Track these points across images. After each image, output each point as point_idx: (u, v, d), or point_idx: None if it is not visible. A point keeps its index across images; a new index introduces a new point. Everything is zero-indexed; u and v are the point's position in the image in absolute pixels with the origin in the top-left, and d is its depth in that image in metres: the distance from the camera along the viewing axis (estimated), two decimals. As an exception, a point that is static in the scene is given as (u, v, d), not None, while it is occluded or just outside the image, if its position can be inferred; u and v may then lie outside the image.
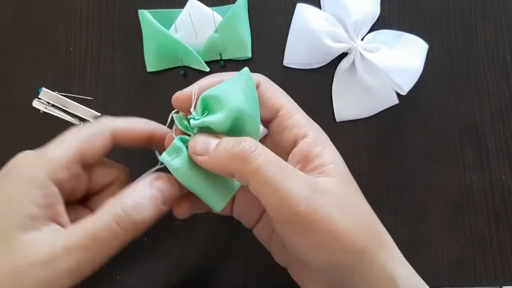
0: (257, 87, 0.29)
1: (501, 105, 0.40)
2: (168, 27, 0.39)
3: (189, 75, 0.40)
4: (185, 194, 0.29)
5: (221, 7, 0.40)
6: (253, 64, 0.40)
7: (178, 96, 0.29)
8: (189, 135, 0.28)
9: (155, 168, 0.28)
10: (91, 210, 0.31)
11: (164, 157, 0.27)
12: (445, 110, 0.40)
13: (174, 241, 0.38)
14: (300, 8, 0.39)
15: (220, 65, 0.40)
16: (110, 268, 0.33)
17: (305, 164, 0.27)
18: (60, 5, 0.41)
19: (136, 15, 0.40)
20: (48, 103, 0.39)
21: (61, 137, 0.29)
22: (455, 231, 0.38)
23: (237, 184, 0.29)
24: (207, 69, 0.39)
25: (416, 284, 0.28)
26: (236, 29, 0.39)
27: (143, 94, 0.40)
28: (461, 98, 0.40)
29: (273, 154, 0.26)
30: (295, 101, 0.30)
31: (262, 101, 0.29)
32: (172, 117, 0.29)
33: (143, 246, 0.38)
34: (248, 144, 0.25)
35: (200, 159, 0.27)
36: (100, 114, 0.40)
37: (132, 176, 0.31)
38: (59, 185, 0.26)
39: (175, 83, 0.40)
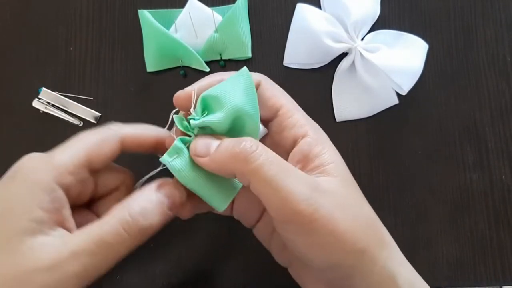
0: (258, 86, 0.29)
1: (501, 105, 0.40)
2: (168, 27, 0.39)
3: (189, 75, 0.40)
4: (188, 195, 0.29)
5: (221, 7, 0.40)
6: (253, 64, 0.40)
7: (179, 95, 0.29)
8: (190, 136, 0.28)
9: (157, 170, 0.28)
10: (96, 214, 0.31)
11: (165, 158, 0.27)
12: (445, 110, 0.40)
13: (174, 241, 0.38)
14: (300, 8, 0.39)
15: (220, 65, 0.40)
16: (110, 268, 0.33)
17: (305, 163, 0.27)
18: (60, 5, 0.41)
19: (136, 15, 0.40)
20: (48, 103, 0.39)
21: (69, 142, 0.28)
22: (455, 231, 0.38)
23: (238, 184, 0.29)
24: (207, 69, 0.39)
25: (417, 284, 0.28)
26: (236, 29, 0.39)
27: (143, 94, 0.40)
28: (461, 98, 0.40)
29: (274, 153, 0.26)
30: (295, 101, 0.31)
31: (262, 101, 0.29)
32: (172, 118, 0.29)
33: (143, 246, 0.37)
34: (249, 144, 0.25)
35: (201, 160, 0.27)
36: (100, 114, 0.40)
37: (137, 180, 0.31)
38: (66, 189, 0.26)
39: (175, 83, 0.40)
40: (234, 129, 0.28)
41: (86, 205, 0.31)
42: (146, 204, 0.26)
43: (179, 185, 0.28)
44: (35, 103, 0.39)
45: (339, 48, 0.38)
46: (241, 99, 0.27)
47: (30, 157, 0.27)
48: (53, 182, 0.26)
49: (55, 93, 0.40)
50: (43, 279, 0.23)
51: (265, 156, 0.25)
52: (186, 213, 0.30)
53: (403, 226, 0.38)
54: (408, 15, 0.41)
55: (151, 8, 0.40)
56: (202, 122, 0.27)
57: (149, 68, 0.40)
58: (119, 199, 0.30)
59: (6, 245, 0.24)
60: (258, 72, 0.30)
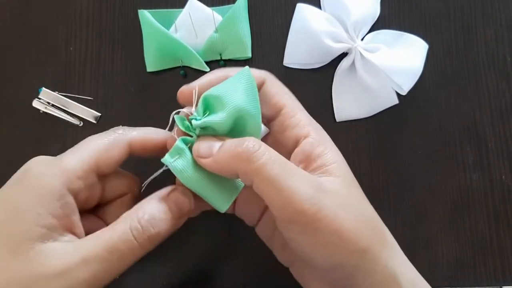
0: (262, 83, 0.29)
1: (501, 105, 0.40)
2: (168, 27, 0.39)
3: (189, 75, 0.40)
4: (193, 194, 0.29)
5: (221, 7, 0.40)
6: (253, 64, 0.40)
7: (183, 90, 0.28)
8: (191, 136, 0.28)
9: (160, 171, 0.28)
10: (102, 219, 0.31)
11: (166, 159, 0.27)
12: (445, 110, 0.40)
13: (174, 241, 0.38)
14: (300, 8, 0.39)
15: (220, 65, 0.40)
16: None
17: (307, 164, 0.27)
18: (60, 5, 0.41)
19: (136, 15, 0.40)
20: (48, 103, 0.39)
21: (76, 146, 0.28)
22: (455, 231, 0.38)
23: (240, 184, 0.29)
24: (207, 69, 0.39)
25: (419, 284, 0.28)
26: (236, 29, 0.39)
27: (143, 94, 0.40)
28: (461, 98, 0.40)
29: (276, 153, 0.26)
30: (296, 101, 0.31)
31: (266, 98, 0.29)
32: (173, 118, 0.29)
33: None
34: (252, 144, 0.25)
35: (204, 161, 0.27)
36: (100, 114, 0.40)
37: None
38: (74, 194, 0.26)
39: (175, 83, 0.39)
40: (235, 129, 0.28)
41: (92, 210, 0.31)
42: (155, 212, 0.26)
43: (188, 191, 0.28)
44: (35, 103, 0.39)
45: (339, 48, 0.38)
46: (242, 99, 0.27)
47: (37, 161, 0.27)
48: (62, 188, 0.25)
49: (55, 93, 0.40)
50: (52, 285, 0.23)
51: (267, 155, 0.25)
52: (192, 212, 0.30)
53: (403, 226, 0.38)
54: (408, 15, 0.41)
55: (151, 8, 0.40)
56: (204, 122, 0.27)
57: (149, 68, 0.40)
58: (125, 205, 0.30)
59: (16, 250, 0.24)
60: (259, 72, 0.30)
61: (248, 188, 0.26)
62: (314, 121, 0.30)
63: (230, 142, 0.26)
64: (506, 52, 0.40)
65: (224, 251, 0.38)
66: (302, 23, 0.39)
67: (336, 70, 0.39)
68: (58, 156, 0.27)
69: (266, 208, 0.31)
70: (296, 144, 0.28)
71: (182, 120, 0.28)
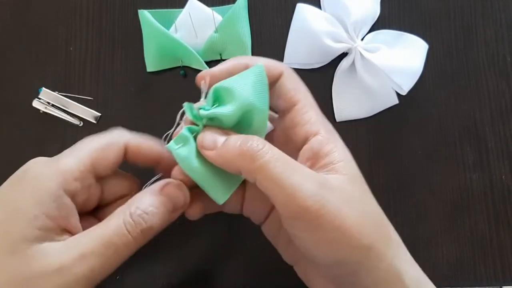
0: (280, 76, 0.29)
1: (501, 105, 0.40)
2: (168, 27, 0.39)
3: (189, 75, 0.40)
4: (197, 194, 0.29)
5: (221, 7, 0.40)
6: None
7: (204, 75, 0.28)
8: (197, 125, 0.28)
9: (160, 174, 0.28)
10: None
11: (171, 146, 0.27)
12: (445, 110, 0.40)
13: (174, 241, 0.38)
14: (300, 8, 0.39)
15: (220, 65, 0.40)
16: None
17: (315, 161, 0.28)
18: (60, 5, 0.41)
19: (136, 15, 0.40)
20: (48, 103, 0.39)
21: (73, 147, 0.28)
22: (455, 231, 0.38)
23: (240, 178, 0.29)
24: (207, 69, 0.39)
25: (423, 282, 0.28)
26: (236, 29, 0.39)
27: (143, 94, 0.40)
28: (461, 98, 0.40)
29: (279, 151, 0.26)
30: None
31: (281, 92, 0.29)
32: (181, 112, 0.28)
33: (143, 246, 0.38)
34: (256, 143, 0.25)
35: (207, 153, 0.27)
36: (100, 114, 0.40)
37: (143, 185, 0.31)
38: (72, 196, 0.26)
39: (175, 83, 0.40)
40: (242, 123, 0.28)
41: (92, 212, 0.31)
42: (147, 206, 0.26)
43: (183, 186, 0.28)
44: (35, 103, 0.39)
45: (339, 48, 0.38)
46: (252, 94, 0.27)
47: (35, 162, 0.27)
48: (59, 189, 0.26)
49: (55, 93, 0.40)
50: (51, 282, 0.23)
51: (271, 153, 0.25)
52: (195, 214, 0.30)
53: (403, 226, 0.38)
54: (408, 15, 0.41)
55: (151, 8, 0.40)
56: (212, 113, 0.27)
57: (149, 68, 0.40)
58: None
59: (13, 250, 0.24)
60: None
61: (256, 187, 0.26)
62: (326, 120, 0.30)
63: (235, 139, 0.26)
64: (506, 52, 0.40)
65: (224, 251, 0.38)
66: (302, 23, 0.39)
67: (336, 70, 0.39)
68: (55, 157, 0.27)
69: (273, 206, 0.31)
70: (305, 141, 0.28)
71: (190, 108, 0.28)
